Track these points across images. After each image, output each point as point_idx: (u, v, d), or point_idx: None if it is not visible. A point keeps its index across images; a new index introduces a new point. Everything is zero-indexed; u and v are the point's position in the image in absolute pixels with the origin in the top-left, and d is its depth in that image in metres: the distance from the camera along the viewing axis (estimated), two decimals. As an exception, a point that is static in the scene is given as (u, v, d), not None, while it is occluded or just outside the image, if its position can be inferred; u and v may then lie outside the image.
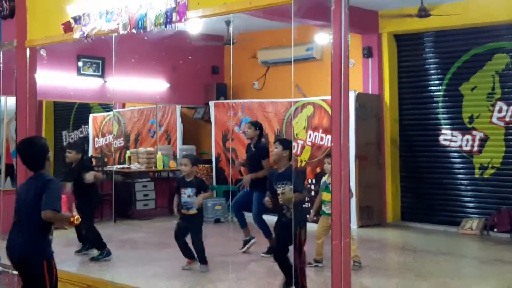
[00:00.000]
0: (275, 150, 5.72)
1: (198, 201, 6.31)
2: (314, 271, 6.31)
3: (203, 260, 6.42)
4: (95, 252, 7.19)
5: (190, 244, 6.45)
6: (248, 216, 7.40)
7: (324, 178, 6.43)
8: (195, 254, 6.43)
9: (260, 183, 7.01)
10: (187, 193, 6.36)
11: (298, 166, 9.68)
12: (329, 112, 9.17)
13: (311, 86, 10.31)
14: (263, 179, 7.09)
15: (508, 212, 8.48)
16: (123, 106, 12.24)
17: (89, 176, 7.01)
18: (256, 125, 7.49)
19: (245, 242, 7.42)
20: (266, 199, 5.71)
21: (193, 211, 6.34)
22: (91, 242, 7.24)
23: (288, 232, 5.20)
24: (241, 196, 7.59)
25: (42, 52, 7.67)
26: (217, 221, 9.79)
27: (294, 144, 9.80)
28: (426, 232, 8.94)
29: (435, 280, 5.92)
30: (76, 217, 4.17)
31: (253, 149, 7.41)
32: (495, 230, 8.49)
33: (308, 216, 6.33)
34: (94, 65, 10.27)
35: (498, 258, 7.11)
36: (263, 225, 7.21)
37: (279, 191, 5.51)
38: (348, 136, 4.22)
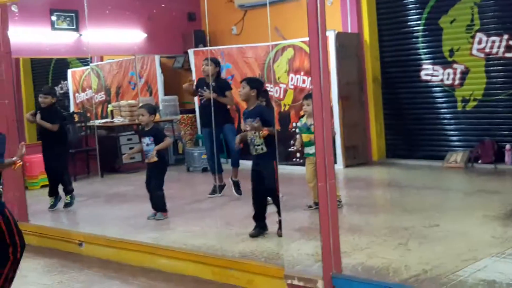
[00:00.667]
0: (242, 90, 5.79)
1: (152, 155, 6.43)
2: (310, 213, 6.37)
3: (159, 208, 6.57)
4: (67, 199, 7.54)
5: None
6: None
7: (304, 120, 6.40)
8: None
9: (227, 115, 7.26)
10: (145, 142, 6.49)
11: (282, 110, 9.67)
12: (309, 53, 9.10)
13: (290, 28, 10.18)
14: (227, 111, 7.44)
15: (491, 143, 8.58)
16: (101, 59, 12.05)
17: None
18: (217, 62, 7.56)
19: (220, 187, 7.57)
20: (237, 140, 5.97)
21: (153, 158, 6.42)
22: (59, 188, 7.58)
23: (266, 166, 5.39)
24: (209, 144, 7.53)
25: (14, 8, 7.48)
26: (205, 170, 9.84)
27: (276, 88, 9.76)
28: (411, 168, 9.04)
29: (421, 214, 6.03)
30: (19, 164, 4.18)
31: (213, 84, 7.36)
32: (479, 161, 8.60)
33: (294, 159, 6.42)
34: (68, 18, 10.05)
35: (482, 188, 7.24)
36: (235, 154, 7.39)
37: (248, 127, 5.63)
38: (328, 77, 4.19)
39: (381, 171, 9.20)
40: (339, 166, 9.04)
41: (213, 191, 7.59)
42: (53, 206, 7.53)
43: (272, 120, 5.96)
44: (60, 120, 7.50)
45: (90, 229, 6.25)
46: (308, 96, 6.38)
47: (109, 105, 11.36)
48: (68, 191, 7.61)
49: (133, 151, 7.30)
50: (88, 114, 11.26)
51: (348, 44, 9.40)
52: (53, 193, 7.58)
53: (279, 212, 5.59)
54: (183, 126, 11.14)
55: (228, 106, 7.65)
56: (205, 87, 7.47)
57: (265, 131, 5.61)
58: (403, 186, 7.76)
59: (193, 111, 11.08)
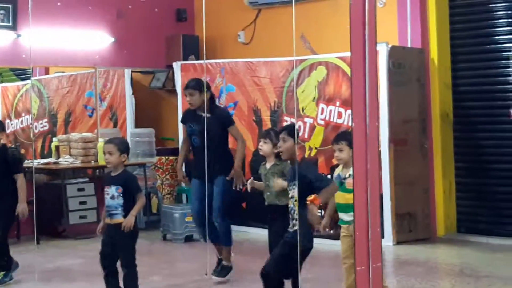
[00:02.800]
0: (285, 144, 5.95)
1: (128, 221, 6.33)
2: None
3: None
4: None
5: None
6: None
7: (338, 171, 6.38)
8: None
9: (224, 163, 7.26)
10: (110, 193, 6.40)
11: (306, 156, 9.67)
12: (350, 75, 9.14)
13: (323, 37, 10.24)
14: (227, 158, 7.49)
15: None
16: (46, 71, 12.15)
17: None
18: (201, 88, 7.47)
19: (220, 260, 7.60)
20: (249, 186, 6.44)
21: (118, 219, 6.37)
22: None
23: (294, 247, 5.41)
24: (198, 197, 7.62)
25: None
26: (189, 239, 9.77)
27: (299, 123, 9.78)
28: (495, 249, 8.96)
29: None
30: None
31: (207, 115, 7.36)
32: None
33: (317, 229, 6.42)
34: (1, 11, 10.18)
35: None
36: (225, 225, 7.41)
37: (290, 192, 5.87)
38: (378, 111, 4.18)
39: (450, 253, 9.09)
40: (387, 242, 8.97)
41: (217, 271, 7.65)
42: None
43: (322, 177, 6.07)
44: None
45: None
46: (341, 137, 6.41)
47: (54, 139, 11.40)
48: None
49: (102, 216, 6.84)
50: (23, 151, 11.30)
51: (407, 64, 9.45)
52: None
53: None
54: (160, 173, 11.15)
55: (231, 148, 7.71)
56: (194, 123, 7.56)
57: (316, 200, 5.64)
58: (482, 276, 7.67)
59: (175, 151, 11.10)
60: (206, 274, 7.55)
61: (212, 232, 7.55)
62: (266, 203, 6.46)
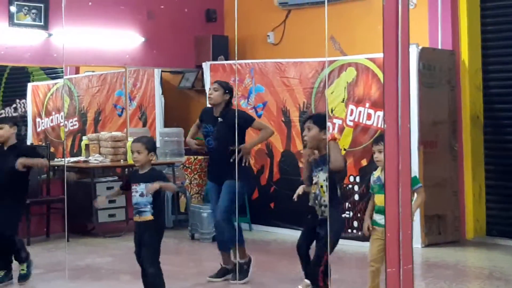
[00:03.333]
0: (310, 133, 6.13)
1: (151, 187, 6.33)
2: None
3: None
4: (23, 268, 7.60)
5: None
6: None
7: (377, 173, 6.40)
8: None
9: (239, 170, 7.15)
10: (139, 191, 6.39)
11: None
12: (380, 77, 9.13)
13: (353, 38, 10.22)
14: (244, 167, 7.42)
15: None
16: (77, 71, 12.22)
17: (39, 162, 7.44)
18: (226, 87, 7.63)
19: (224, 270, 7.58)
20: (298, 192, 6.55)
21: (146, 216, 6.39)
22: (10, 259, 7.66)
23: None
24: (215, 202, 7.63)
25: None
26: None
27: (328, 124, 9.77)
28: (524, 252, 8.92)
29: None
30: None
31: (220, 119, 7.46)
32: None
33: (353, 230, 6.53)
34: (33, 10, 10.26)
35: None
36: (229, 227, 7.36)
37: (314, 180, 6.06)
38: (409, 113, 4.18)
39: (479, 256, 9.06)
40: (416, 244, 8.95)
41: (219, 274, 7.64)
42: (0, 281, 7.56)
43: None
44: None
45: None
46: (382, 138, 6.40)
47: (84, 137, 11.48)
48: (22, 258, 7.64)
49: (112, 194, 7.41)
50: (53, 149, 11.39)
51: (437, 66, 9.42)
52: (2, 265, 7.64)
53: None
54: (188, 173, 11.18)
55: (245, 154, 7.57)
56: (210, 125, 7.60)
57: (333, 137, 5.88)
58: (512, 279, 7.65)
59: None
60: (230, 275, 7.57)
61: (222, 240, 7.60)
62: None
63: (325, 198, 6.08)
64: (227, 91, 7.59)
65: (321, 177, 6.26)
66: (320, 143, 6.26)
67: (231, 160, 7.30)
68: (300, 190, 6.72)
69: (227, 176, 7.39)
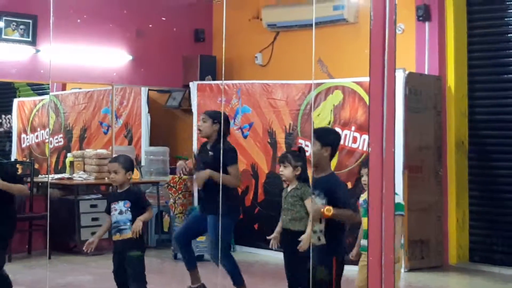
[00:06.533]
0: (313, 148, 6.01)
1: (136, 226, 6.34)
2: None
3: None
4: None
5: None
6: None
7: (363, 197, 6.37)
8: None
9: (224, 202, 6.89)
10: (118, 209, 6.44)
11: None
12: (366, 100, 9.16)
13: (340, 61, 10.26)
14: (231, 195, 7.26)
15: None
16: (64, 87, 12.22)
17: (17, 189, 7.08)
18: (215, 117, 7.42)
19: None
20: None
21: (127, 234, 6.39)
22: None
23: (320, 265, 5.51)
24: (190, 222, 7.71)
25: None
26: (200, 258, 9.77)
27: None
28: (506, 279, 8.93)
29: None
30: None
31: (210, 153, 7.39)
32: None
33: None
34: (21, 26, 10.25)
35: None
36: (232, 266, 7.28)
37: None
38: (394, 137, 4.20)
39: (462, 282, 9.07)
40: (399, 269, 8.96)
41: None
42: None
43: (345, 198, 5.96)
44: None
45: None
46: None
47: (69, 154, 11.45)
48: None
49: (100, 234, 6.75)
50: (37, 166, 11.34)
51: (423, 91, 9.46)
52: None
53: None
54: (173, 192, 11.15)
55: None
56: (202, 159, 7.53)
57: (328, 208, 5.60)
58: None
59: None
60: None
61: (188, 257, 7.61)
62: (281, 227, 6.39)
63: (321, 225, 5.88)
64: (215, 121, 7.41)
65: (318, 202, 5.92)
66: (321, 160, 6.05)
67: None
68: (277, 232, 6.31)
69: (213, 210, 7.20)
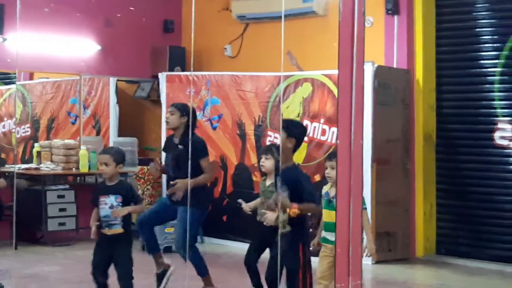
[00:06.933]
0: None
1: (120, 211, 6.34)
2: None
3: None
4: None
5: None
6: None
7: (326, 189, 6.38)
8: None
9: (195, 194, 6.99)
10: (108, 203, 6.40)
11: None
12: (336, 93, 9.19)
13: (310, 54, 10.28)
14: (199, 188, 7.26)
15: None
16: (31, 77, 12.12)
17: None
18: (183, 110, 7.42)
19: (159, 277, 7.48)
20: (246, 207, 6.41)
21: (117, 229, 6.36)
22: None
23: (287, 251, 5.54)
24: (156, 208, 7.73)
25: None
26: (168, 249, 9.75)
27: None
28: (473, 272, 9.00)
29: None
30: None
31: (180, 146, 7.38)
32: None
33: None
34: (-12, 15, 10.15)
35: None
36: (196, 257, 7.30)
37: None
38: (362, 130, 4.22)
39: (428, 274, 9.14)
40: (366, 261, 8.96)
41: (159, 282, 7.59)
42: None
43: (308, 190, 5.95)
44: None
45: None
46: (335, 154, 6.41)
47: (36, 144, 11.36)
48: None
49: (92, 220, 6.64)
50: (4, 155, 11.24)
51: (392, 84, 9.51)
52: None
53: None
54: (141, 183, 11.13)
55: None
56: (170, 153, 7.52)
57: (294, 209, 5.63)
58: (459, 298, 7.73)
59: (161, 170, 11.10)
60: None
61: (149, 240, 7.60)
62: (257, 218, 6.44)
63: (285, 215, 5.88)
64: (184, 114, 7.39)
65: (281, 193, 5.93)
66: (285, 151, 6.05)
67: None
68: (255, 203, 6.65)
69: (183, 202, 7.16)
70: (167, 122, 7.54)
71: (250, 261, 6.70)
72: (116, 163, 6.44)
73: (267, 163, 6.43)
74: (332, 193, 6.20)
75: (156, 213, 7.64)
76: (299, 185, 5.78)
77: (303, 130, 6.63)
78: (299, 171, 6.15)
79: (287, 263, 5.82)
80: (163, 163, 7.80)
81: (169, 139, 7.74)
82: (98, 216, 6.51)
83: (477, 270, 9.07)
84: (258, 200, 6.59)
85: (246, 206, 6.65)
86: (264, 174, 6.77)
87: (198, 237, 10.25)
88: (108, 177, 6.50)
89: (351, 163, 4.14)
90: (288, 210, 5.73)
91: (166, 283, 7.41)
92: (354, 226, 4.11)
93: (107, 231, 6.40)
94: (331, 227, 6.17)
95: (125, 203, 6.40)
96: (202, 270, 7.32)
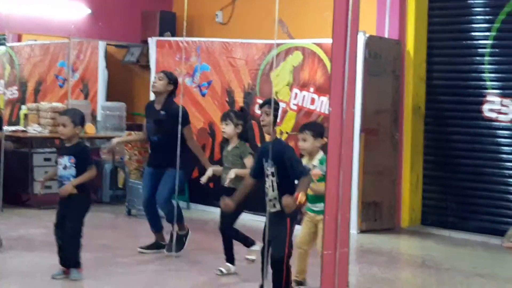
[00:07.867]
0: (267, 118, 5.82)
1: (65, 189, 6.46)
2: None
3: (71, 262, 6.58)
4: None
5: None
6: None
7: (304, 161, 6.33)
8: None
9: (180, 156, 7.02)
10: (62, 163, 6.51)
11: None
12: (326, 62, 9.20)
13: (301, 22, 10.26)
14: (184, 151, 7.28)
15: None
16: (19, 39, 12.06)
17: None
18: (171, 78, 7.62)
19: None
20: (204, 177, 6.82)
21: (70, 190, 6.48)
22: None
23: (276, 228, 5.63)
24: (148, 183, 7.78)
25: None
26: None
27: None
28: (458, 243, 9.08)
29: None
30: None
31: (162, 112, 7.49)
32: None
33: None
34: (-23, -26, 10.08)
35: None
36: (172, 208, 7.44)
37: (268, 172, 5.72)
38: (354, 100, 4.24)
39: (413, 244, 9.22)
40: (352, 230, 9.04)
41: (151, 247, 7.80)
42: None
43: (293, 161, 5.81)
44: None
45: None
46: (306, 126, 6.44)
47: (23, 107, 11.34)
48: None
49: (47, 176, 7.35)
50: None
51: (383, 55, 9.52)
52: None
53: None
54: (129, 148, 11.13)
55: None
56: (152, 119, 7.62)
57: (302, 197, 5.48)
58: (443, 268, 7.78)
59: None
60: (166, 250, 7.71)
61: (154, 219, 7.84)
62: (223, 184, 6.73)
63: (274, 193, 5.83)
64: (171, 82, 7.59)
65: (270, 169, 5.80)
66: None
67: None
68: (209, 172, 6.97)
69: (168, 165, 7.41)
70: (153, 86, 7.62)
71: (224, 228, 6.80)
72: (74, 124, 6.52)
73: (227, 128, 6.75)
74: (308, 165, 6.20)
75: (151, 187, 7.73)
76: (286, 158, 5.74)
77: (276, 107, 6.48)
78: (283, 144, 6.09)
79: (272, 236, 5.78)
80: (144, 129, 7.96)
81: (149, 105, 7.85)
82: (53, 174, 6.75)
83: (462, 241, 9.16)
84: (215, 168, 7.05)
85: (203, 178, 7.03)
86: (226, 140, 7.00)
87: (185, 203, 10.37)
88: (66, 138, 6.58)
89: (342, 131, 4.17)
90: (297, 201, 5.58)
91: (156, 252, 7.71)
92: (343, 194, 4.15)
93: (62, 192, 6.49)
94: (311, 199, 6.21)
95: (78, 164, 6.48)
96: (179, 217, 7.58)
